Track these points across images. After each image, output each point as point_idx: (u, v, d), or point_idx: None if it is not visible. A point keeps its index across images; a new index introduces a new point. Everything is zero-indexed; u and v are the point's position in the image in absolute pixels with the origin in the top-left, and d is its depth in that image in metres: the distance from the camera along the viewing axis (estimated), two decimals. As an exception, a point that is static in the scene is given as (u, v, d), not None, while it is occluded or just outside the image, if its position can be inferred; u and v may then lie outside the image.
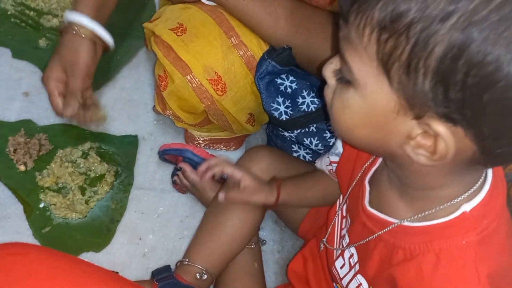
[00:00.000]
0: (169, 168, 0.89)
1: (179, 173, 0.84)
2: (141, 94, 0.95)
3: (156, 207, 0.86)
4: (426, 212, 0.45)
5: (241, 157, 0.82)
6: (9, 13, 0.97)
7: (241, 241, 0.74)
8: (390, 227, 0.48)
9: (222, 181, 0.81)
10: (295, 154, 0.81)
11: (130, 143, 0.90)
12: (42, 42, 0.96)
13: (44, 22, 0.97)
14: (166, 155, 0.87)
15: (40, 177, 0.84)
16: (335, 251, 0.59)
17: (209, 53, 0.72)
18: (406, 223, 0.47)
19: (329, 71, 0.43)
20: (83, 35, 0.67)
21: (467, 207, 0.44)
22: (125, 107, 0.94)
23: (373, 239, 0.50)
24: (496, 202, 0.46)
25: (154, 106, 0.88)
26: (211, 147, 0.90)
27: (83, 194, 0.85)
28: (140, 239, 0.83)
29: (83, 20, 0.66)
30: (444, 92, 0.35)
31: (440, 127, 0.37)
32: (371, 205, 0.52)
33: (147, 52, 0.98)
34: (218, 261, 0.73)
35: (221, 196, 0.70)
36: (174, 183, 0.87)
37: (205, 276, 0.71)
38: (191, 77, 0.73)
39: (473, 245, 0.43)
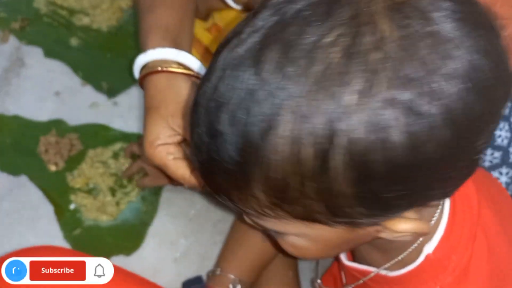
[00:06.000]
0: (201, 170, 0.87)
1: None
2: (172, 94, 0.93)
3: (188, 210, 0.84)
4: (396, 259, 0.45)
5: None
6: (42, 12, 0.97)
7: (273, 247, 0.72)
8: (370, 275, 0.48)
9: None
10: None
11: (161, 144, 0.89)
12: (74, 41, 0.95)
13: (76, 21, 0.97)
14: (197, 156, 0.85)
15: (70, 177, 0.83)
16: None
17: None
18: (383, 272, 0.47)
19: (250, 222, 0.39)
20: (179, 71, 0.51)
21: (429, 248, 0.42)
22: (156, 107, 0.92)
23: (362, 285, 0.50)
24: (463, 229, 0.43)
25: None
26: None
27: (113, 195, 0.83)
28: (172, 243, 0.81)
29: (169, 54, 0.51)
30: (365, 210, 0.32)
31: (396, 227, 0.36)
32: (354, 258, 0.52)
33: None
34: (251, 269, 0.70)
35: (139, 183, 0.81)
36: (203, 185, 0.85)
37: (238, 287, 0.68)
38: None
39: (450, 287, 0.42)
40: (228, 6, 0.74)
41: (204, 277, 0.74)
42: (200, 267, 0.79)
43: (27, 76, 0.91)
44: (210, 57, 0.72)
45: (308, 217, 0.33)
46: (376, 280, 0.49)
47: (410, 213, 0.35)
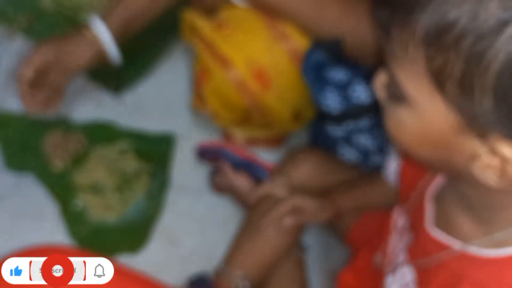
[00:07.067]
0: (207, 168, 0.86)
1: (218, 173, 0.81)
2: (178, 90, 0.92)
3: (194, 209, 0.83)
4: (495, 236, 0.40)
5: (283, 159, 0.78)
6: (48, 9, 0.96)
7: (283, 246, 0.71)
8: (454, 251, 0.42)
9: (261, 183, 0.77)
10: (341, 153, 0.77)
11: (166, 142, 0.88)
12: (80, 39, 0.94)
13: (82, 18, 0.96)
14: (203, 154, 0.85)
15: (77, 175, 0.83)
16: (388, 269, 0.53)
17: (252, 45, 0.70)
18: (473, 249, 0.41)
19: (379, 85, 0.39)
20: (94, 46, 0.69)
21: None
22: (161, 103, 0.91)
23: (435, 264, 0.44)
24: None
25: (192, 102, 0.85)
26: (250, 146, 0.86)
27: (119, 193, 0.83)
28: (178, 242, 0.81)
29: (103, 35, 0.69)
30: (507, 112, 0.31)
31: (506, 149, 0.33)
32: (436, 224, 0.46)
33: (185, 46, 0.95)
34: (259, 268, 0.70)
35: (288, 221, 0.69)
36: (212, 184, 0.84)
37: (246, 284, 0.68)
38: (233, 72, 0.69)
39: None
40: (230, 3, 0.73)
41: (211, 274, 0.73)
42: (206, 266, 0.77)
43: (33, 74, 0.91)
44: (215, 55, 0.71)
45: (440, 76, 0.33)
46: (461, 257, 0.42)
47: None
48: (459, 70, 0.32)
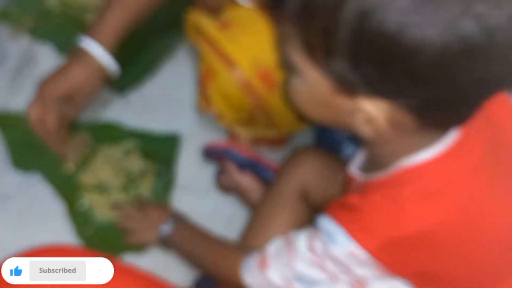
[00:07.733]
0: (213, 168, 0.86)
1: (223, 173, 0.81)
2: (184, 91, 0.92)
3: (199, 208, 0.83)
4: (379, 170, 0.47)
5: (286, 159, 0.78)
6: (54, 9, 0.97)
7: None
8: (358, 181, 0.51)
9: (267, 183, 0.78)
10: (346, 153, 0.76)
11: (172, 142, 0.88)
12: (86, 39, 0.95)
13: (88, 18, 0.97)
14: (209, 154, 0.85)
15: (83, 175, 0.83)
16: None
17: (258, 45, 0.69)
18: (366, 176, 0.50)
19: (280, 60, 0.45)
20: (96, 70, 0.68)
21: (410, 161, 0.44)
22: (167, 104, 0.91)
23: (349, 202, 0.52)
24: (456, 163, 0.44)
25: (197, 103, 0.85)
26: (255, 146, 0.86)
27: (124, 193, 0.83)
28: (182, 241, 0.80)
29: (97, 52, 0.67)
30: (363, 74, 0.37)
31: (368, 106, 0.40)
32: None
33: (190, 46, 0.95)
34: None
35: None
36: (218, 183, 0.84)
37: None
38: (238, 72, 0.69)
39: (409, 200, 0.43)
40: (235, 3, 0.73)
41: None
42: (211, 266, 0.78)
43: (39, 73, 0.91)
44: (220, 56, 0.71)
45: (309, 48, 0.40)
46: (360, 186, 0.50)
47: (386, 105, 0.39)
48: (319, 42, 0.38)
